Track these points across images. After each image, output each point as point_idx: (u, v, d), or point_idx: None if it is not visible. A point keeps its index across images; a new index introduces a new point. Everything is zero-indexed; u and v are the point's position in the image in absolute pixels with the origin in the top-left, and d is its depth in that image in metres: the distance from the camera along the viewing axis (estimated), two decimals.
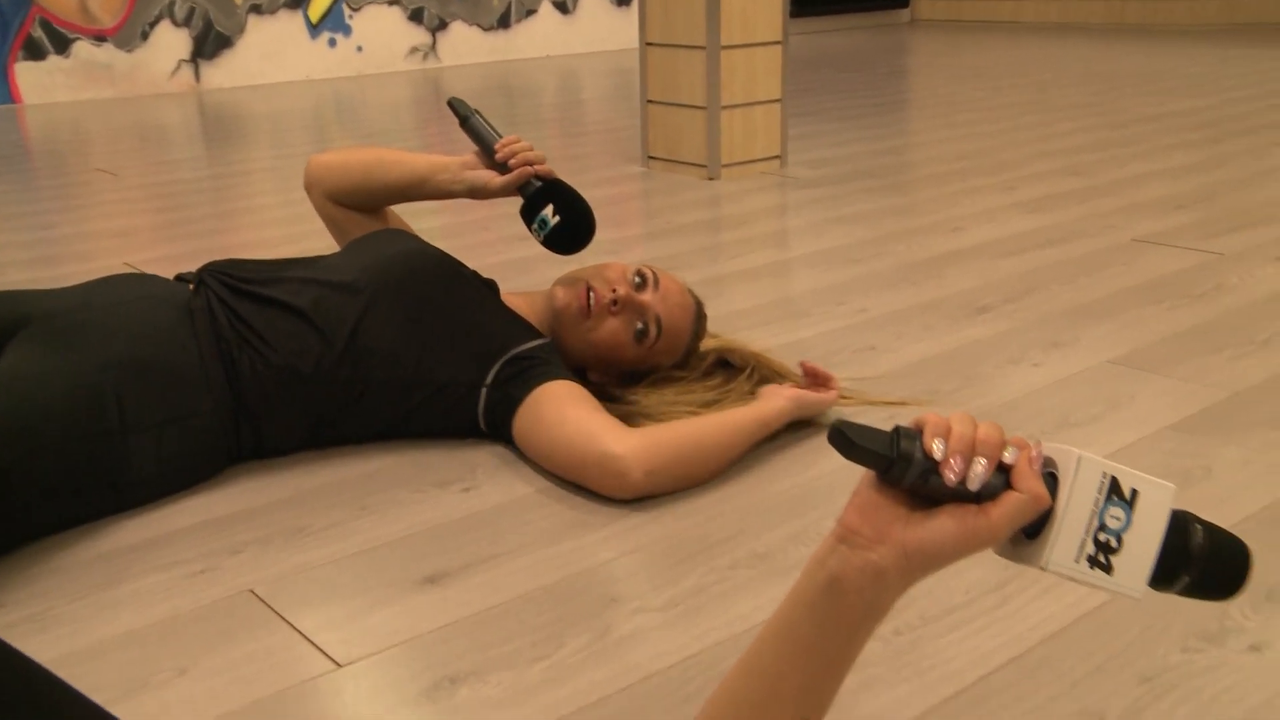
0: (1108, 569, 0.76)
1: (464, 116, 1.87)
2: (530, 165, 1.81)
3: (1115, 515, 0.75)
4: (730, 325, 2.28)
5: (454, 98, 1.90)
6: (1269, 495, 1.59)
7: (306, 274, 1.78)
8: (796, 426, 1.80)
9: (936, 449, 0.77)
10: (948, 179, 3.73)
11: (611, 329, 1.82)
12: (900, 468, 0.77)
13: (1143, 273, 2.64)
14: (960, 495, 0.77)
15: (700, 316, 1.91)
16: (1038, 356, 2.13)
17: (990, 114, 5.00)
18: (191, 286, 1.77)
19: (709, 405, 1.82)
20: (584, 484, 1.62)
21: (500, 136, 1.84)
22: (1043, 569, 0.77)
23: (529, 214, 1.80)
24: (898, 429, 0.78)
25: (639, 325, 1.82)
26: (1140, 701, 1.18)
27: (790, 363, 1.95)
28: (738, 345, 1.96)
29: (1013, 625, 1.31)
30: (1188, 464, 1.69)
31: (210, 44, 6.48)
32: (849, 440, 0.77)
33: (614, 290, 1.81)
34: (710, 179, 3.74)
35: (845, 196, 3.50)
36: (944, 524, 0.77)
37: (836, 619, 0.79)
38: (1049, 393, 1.97)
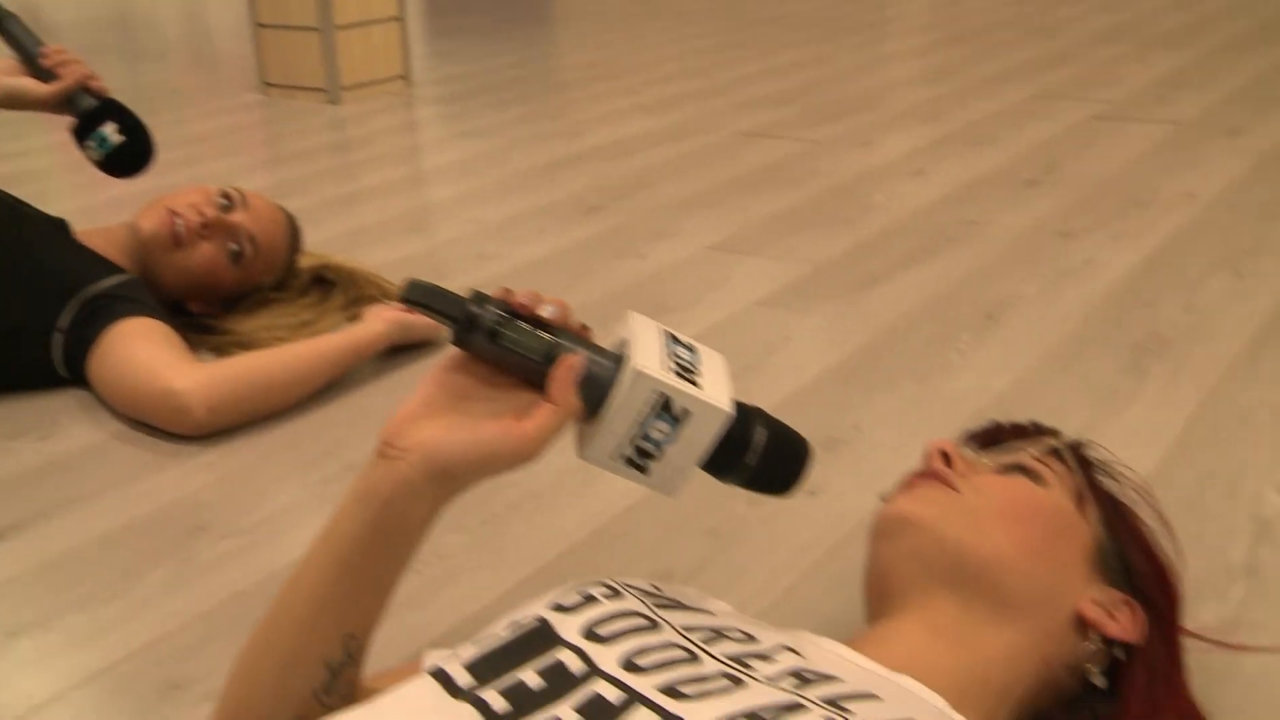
0: (643, 470, 0.78)
1: None
2: (84, 77, 1.69)
3: (660, 429, 0.77)
4: (351, 244, 2.25)
5: None
6: (836, 356, 1.72)
7: None
8: (401, 351, 1.77)
9: (506, 294, 0.77)
10: (573, 87, 3.78)
11: (206, 254, 1.76)
12: (473, 314, 0.75)
13: (746, 164, 2.77)
14: (528, 366, 0.76)
15: (294, 231, 1.87)
16: (643, 249, 2.20)
17: (620, 23, 5.09)
18: None
19: (306, 325, 1.80)
20: (150, 422, 1.55)
21: (42, 43, 1.71)
22: (581, 459, 0.79)
23: (84, 131, 1.68)
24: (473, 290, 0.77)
25: (233, 247, 1.76)
26: (707, 554, 1.26)
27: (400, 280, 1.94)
28: (334, 261, 1.93)
29: (594, 504, 1.36)
30: (770, 334, 1.80)
31: None
32: (424, 288, 0.75)
33: (202, 214, 1.74)
34: (332, 103, 3.64)
35: (471, 111, 3.48)
36: (476, 432, 0.76)
37: (371, 532, 0.78)
38: (651, 282, 2.04)
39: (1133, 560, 0.95)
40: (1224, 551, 1.23)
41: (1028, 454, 0.97)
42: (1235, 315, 1.80)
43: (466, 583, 1.22)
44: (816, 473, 1.40)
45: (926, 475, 0.94)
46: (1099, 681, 0.89)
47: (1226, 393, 1.56)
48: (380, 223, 2.45)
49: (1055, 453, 0.99)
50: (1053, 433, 1.03)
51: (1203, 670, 1.04)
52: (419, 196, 2.65)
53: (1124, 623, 0.90)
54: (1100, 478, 1.00)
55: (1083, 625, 0.89)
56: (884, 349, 1.74)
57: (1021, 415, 1.49)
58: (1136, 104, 3.22)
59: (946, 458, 0.96)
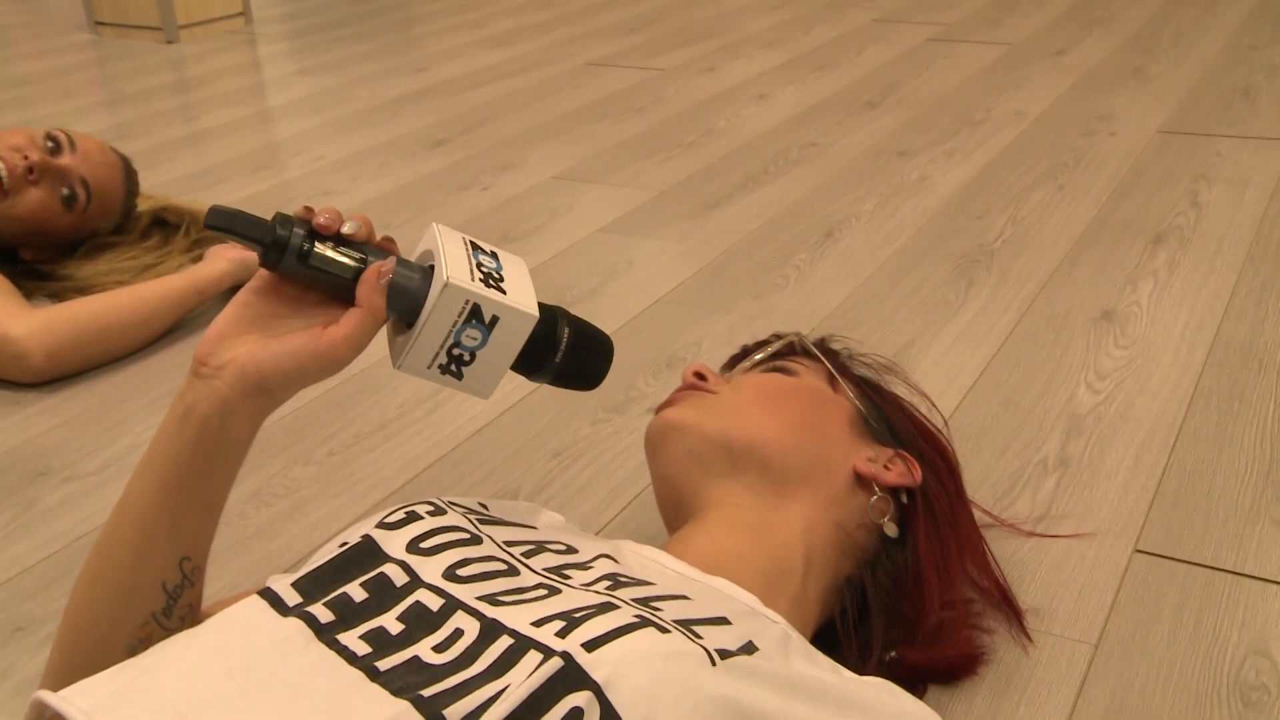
0: (458, 376, 0.80)
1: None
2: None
3: (472, 335, 0.78)
4: (195, 185, 2.21)
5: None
6: (678, 278, 1.76)
7: None
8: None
9: (308, 213, 0.77)
10: (418, 22, 3.73)
11: (36, 200, 1.71)
12: (279, 237, 0.75)
13: (591, 93, 2.78)
14: (337, 284, 0.77)
15: (130, 173, 1.83)
16: (487, 180, 2.21)
17: None
18: None
19: (149, 269, 1.77)
20: None
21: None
22: (397, 369, 0.81)
23: None
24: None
25: (65, 191, 1.72)
26: (552, 473, 1.29)
27: None
28: (174, 203, 1.90)
29: (440, 429, 1.38)
30: (614, 259, 1.83)
31: None
32: (226, 213, 0.74)
33: (26, 158, 1.69)
34: (169, 42, 3.53)
35: (313, 48, 3.42)
36: (286, 343, 0.77)
37: (192, 451, 0.78)
38: (496, 213, 2.05)
39: (893, 419, 1.03)
40: (1040, 446, 1.30)
41: (771, 356, 1.06)
42: (1055, 226, 1.89)
43: (316, 513, 1.24)
44: (656, 390, 1.44)
45: (683, 389, 1.01)
46: (891, 530, 0.95)
47: (1046, 298, 1.65)
48: (224, 163, 2.41)
49: (795, 349, 1.07)
50: (794, 335, 1.10)
51: (1016, 558, 1.12)
52: (262, 135, 2.61)
53: (899, 470, 0.97)
54: (846, 362, 1.08)
55: (863, 482, 0.96)
56: (724, 269, 1.78)
57: (856, 327, 1.56)
58: (970, 26, 3.31)
59: (700, 376, 1.02)
